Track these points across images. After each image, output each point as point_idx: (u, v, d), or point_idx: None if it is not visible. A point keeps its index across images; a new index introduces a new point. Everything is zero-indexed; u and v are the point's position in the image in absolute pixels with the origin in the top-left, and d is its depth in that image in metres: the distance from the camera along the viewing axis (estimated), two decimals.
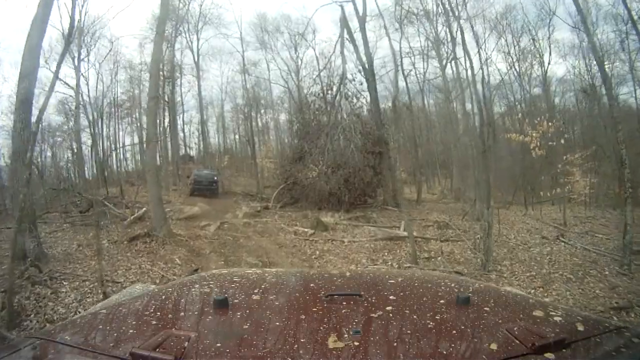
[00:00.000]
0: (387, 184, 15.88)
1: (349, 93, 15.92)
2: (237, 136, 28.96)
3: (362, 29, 17.17)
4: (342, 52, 17.14)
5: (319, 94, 17.01)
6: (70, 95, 18.70)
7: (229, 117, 27.98)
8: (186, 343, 0.87)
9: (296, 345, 0.90)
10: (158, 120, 22.03)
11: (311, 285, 1.50)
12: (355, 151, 14.68)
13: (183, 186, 19.27)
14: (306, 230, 10.82)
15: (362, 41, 17.30)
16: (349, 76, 16.17)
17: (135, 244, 8.34)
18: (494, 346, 0.88)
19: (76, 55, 18.11)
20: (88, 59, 20.54)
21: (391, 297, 1.28)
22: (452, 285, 1.46)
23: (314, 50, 23.52)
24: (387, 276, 1.69)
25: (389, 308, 1.13)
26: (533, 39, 19.39)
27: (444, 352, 0.88)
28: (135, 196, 14.67)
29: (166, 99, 22.40)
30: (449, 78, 19.08)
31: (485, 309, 1.17)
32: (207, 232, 10.27)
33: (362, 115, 16.07)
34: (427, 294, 1.36)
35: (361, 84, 16.36)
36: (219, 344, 0.91)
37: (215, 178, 17.97)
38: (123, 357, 0.83)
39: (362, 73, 16.25)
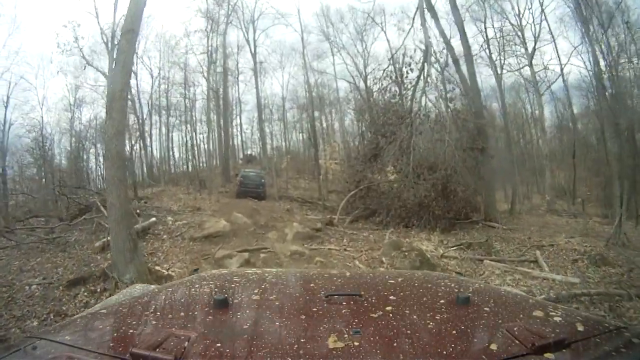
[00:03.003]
0: (488, 191, 12.05)
1: (433, 75, 12.40)
2: (300, 135, 26.18)
3: None
4: (423, 25, 13.15)
5: (395, 77, 13.34)
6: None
7: (291, 116, 25.40)
8: (186, 343, 0.86)
9: (296, 345, 0.88)
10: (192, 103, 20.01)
11: (311, 285, 1.48)
12: (454, 148, 10.32)
13: (233, 187, 16.94)
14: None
15: (450, 6, 13.42)
16: (433, 53, 12.54)
17: (75, 295, 4.84)
18: (494, 346, 0.87)
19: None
20: (137, 53, 18.94)
21: (391, 297, 1.26)
22: (452, 285, 1.45)
23: (385, 33, 20.28)
24: (387, 276, 1.66)
25: (389, 308, 1.11)
26: (627, 23, 14.44)
27: (444, 352, 0.86)
28: (158, 200, 11.73)
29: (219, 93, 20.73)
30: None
31: (485, 309, 1.15)
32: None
33: (454, 101, 12.48)
34: (427, 294, 1.35)
35: (447, 65, 12.94)
36: (219, 344, 0.90)
37: (263, 180, 15.73)
38: (123, 357, 0.82)
39: (446, 50, 12.97)
